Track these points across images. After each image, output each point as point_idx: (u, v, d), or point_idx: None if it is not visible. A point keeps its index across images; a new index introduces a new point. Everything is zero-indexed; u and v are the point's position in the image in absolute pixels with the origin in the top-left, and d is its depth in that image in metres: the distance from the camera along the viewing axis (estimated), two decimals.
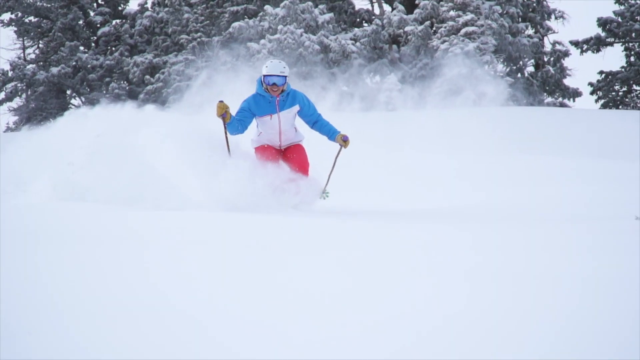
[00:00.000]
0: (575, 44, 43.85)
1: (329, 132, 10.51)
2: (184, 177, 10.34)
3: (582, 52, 44.12)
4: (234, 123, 10.10)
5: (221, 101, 9.94)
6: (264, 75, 10.07)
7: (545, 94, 44.18)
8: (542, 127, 23.64)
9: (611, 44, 43.98)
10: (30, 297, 4.93)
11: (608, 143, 20.84)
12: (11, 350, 3.93)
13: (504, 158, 17.45)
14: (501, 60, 40.01)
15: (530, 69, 43.88)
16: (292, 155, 10.52)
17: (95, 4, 49.67)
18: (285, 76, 10.17)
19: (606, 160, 17.17)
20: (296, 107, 10.30)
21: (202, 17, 44.23)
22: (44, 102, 45.96)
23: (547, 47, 43.96)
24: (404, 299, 4.79)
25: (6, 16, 47.88)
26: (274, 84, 9.99)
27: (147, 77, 43.89)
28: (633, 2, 44.16)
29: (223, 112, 9.91)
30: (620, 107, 44.97)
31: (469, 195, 10.15)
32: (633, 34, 43.24)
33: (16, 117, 47.41)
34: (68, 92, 47.32)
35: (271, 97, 10.10)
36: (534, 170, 15.58)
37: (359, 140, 13.74)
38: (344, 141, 10.37)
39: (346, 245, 7.15)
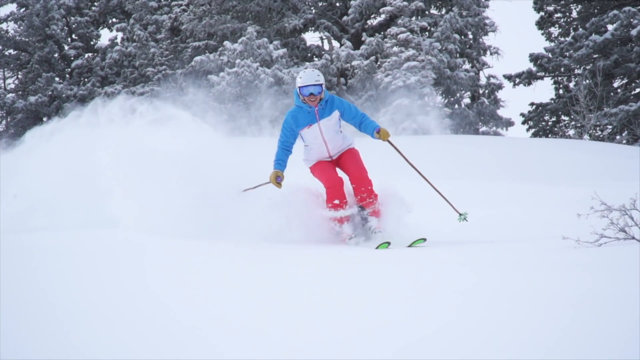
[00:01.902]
0: (509, 77, 44.17)
1: (369, 128, 9.55)
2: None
3: (514, 85, 44.34)
4: (284, 162, 9.48)
5: (279, 182, 9.26)
6: (300, 87, 9.22)
7: (480, 123, 44.29)
8: (477, 154, 23.68)
9: (542, 77, 44.25)
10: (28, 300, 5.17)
11: (537, 168, 21.05)
12: (11, 350, 4.01)
13: (443, 182, 17.17)
14: (440, 92, 40.25)
15: (466, 100, 44.10)
16: (347, 164, 9.65)
17: (69, 39, 49.47)
18: (321, 84, 9.26)
19: (535, 184, 17.51)
20: (336, 113, 9.48)
21: (167, 52, 44.39)
22: (22, 128, 44.47)
23: (483, 81, 44.39)
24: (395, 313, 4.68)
25: None
26: (311, 93, 9.16)
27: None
28: (562, 39, 44.76)
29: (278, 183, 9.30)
30: (549, 135, 45.15)
31: (414, 216, 9.66)
32: (562, 69, 43.69)
33: None
34: (45, 119, 46.23)
35: (309, 107, 9.32)
36: (469, 193, 15.53)
37: None
38: (379, 133, 9.33)
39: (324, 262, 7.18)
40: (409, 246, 8.52)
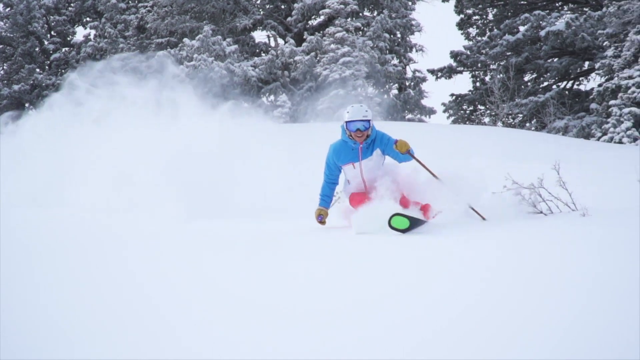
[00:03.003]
0: (432, 71, 44.30)
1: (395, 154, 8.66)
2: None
3: (437, 78, 44.29)
4: (329, 198, 8.89)
5: (320, 221, 8.68)
6: (347, 122, 8.47)
7: (406, 111, 44.60)
8: (404, 138, 23.68)
9: (461, 72, 44.36)
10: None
11: (456, 151, 18.93)
12: (10, 350, 3.89)
13: None
14: (371, 84, 39.86)
15: (394, 91, 44.26)
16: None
17: (49, 35, 49.21)
18: (369, 120, 8.45)
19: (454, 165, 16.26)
20: (377, 152, 8.61)
21: (134, 47, 43.43)
22: (6, 112, 40.17)
23: (409, 74, 44.61)
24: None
25: None
26: (358, 129, 8.43)
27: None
28: (479, 38, 44.80)
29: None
30: (467, 122, 45.02)
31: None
32: (479, 64, 43.84)
33: None
34: (26, 104, 46.47)
35: (354, 143, 8.55)
36: None
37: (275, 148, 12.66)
38: (398, 145, 8.37)
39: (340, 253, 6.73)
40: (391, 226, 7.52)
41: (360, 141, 8.43)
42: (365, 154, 8.51)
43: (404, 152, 8.25)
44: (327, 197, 8.78)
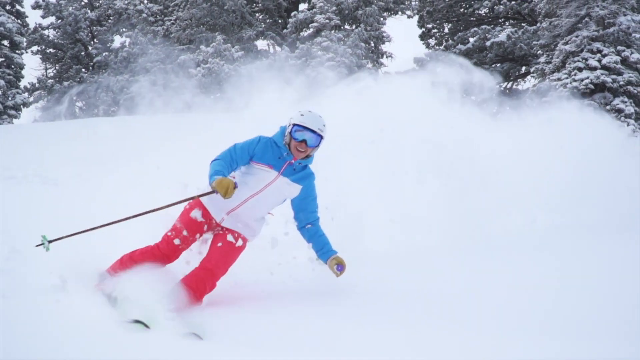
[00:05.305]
0: (399, 74, 34.50)
1: (322, 246, 6.14)
2: None
3: None
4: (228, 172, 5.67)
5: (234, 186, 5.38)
6: (294, 125, 5.85)
7: None
8: None
9: (421, 72, 42.03)
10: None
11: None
12: (10, 350, 3.67)
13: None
14: None
15: None
16: (218, 245, 5.80)
17: (92, 42, 49.42)
18: (322, 137, 5.90)
19: None
20: (297, 188, 6.00)
21: (160, 52, 43.28)
22: (58, 104, 43.30)
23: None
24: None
25: (34, 48, 48.51)
26: (304, 141, 5.82)
27: (125, 89, 42.22)
28: (437, 47, 45.67)
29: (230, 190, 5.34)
30: None
31: None
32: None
33: (40, 113, 45.98)
34: (74, 97, 46.07)
35: (287, 154, 5.90)
36: None
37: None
38: (339, 271, 6.01)
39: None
40: None
41: (296, 157, 5.88)
42: (290, 173, 5.94)
43: (339, 264, 6.00)
44: (224, 172, 5.58)
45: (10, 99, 41.27)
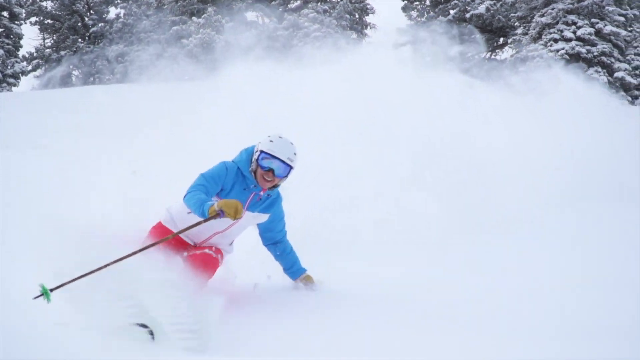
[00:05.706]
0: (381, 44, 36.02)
1: (292, 265, 5.85)
2: None
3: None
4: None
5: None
6: (262, 152, 5.26)
7: None
8: None
9: (404, 44, 39.97)
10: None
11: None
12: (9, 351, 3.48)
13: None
14: None
15: None
16: (196, 253, 5.34)
17: (88, 13, 48.87)
18: (292, 168, 5.30)
19: None
20: (265, 216, 5.57)
21: (154, 24, 43.27)
22: (55, 73, 44.19)
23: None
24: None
25: (33, 19, 48.11)
26: (270, 170, 5.25)
27: (120, 58, 43.11)
28: (419, 19, 44.54)
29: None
30: None
31: None
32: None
33: (38, 82, 45.69)
34: (70, 66, 46.76)
35: (255, 185, 5.33)
36: None
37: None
38: (304, 279, 5.82)
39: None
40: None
41: (264, 188, 5.37)
42: (255, 207, 5.47)
43: (308, 281, 5.84)
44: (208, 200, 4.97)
45: (9, 67, 41.81)
